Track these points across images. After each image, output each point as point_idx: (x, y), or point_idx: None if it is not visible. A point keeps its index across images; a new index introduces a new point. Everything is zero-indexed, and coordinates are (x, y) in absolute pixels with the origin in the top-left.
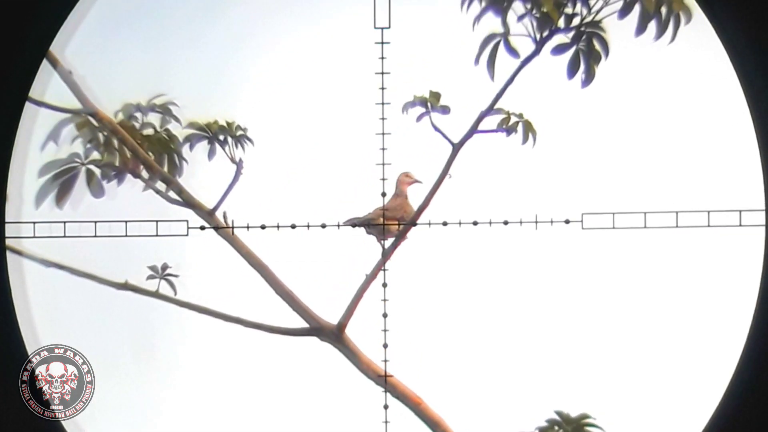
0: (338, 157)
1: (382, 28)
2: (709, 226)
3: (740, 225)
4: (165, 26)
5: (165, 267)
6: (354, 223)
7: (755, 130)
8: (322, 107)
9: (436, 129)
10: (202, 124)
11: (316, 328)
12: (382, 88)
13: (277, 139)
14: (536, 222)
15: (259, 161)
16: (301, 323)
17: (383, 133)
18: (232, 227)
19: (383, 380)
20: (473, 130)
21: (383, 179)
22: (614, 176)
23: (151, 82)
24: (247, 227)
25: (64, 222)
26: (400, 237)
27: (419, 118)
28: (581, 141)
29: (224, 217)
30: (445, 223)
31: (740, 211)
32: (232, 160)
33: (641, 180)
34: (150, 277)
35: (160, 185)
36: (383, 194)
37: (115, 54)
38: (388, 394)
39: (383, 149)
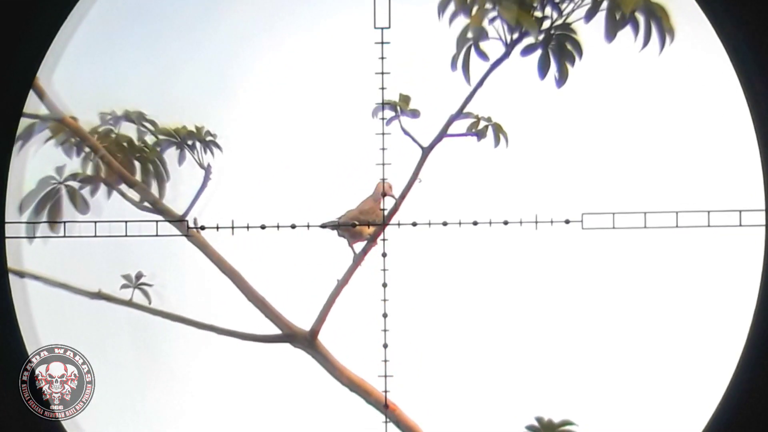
0: (338, 157)
1: (382, 28)
2: (709, 226)
3: (740, 225)
4: (160, 28)
5: (139, 276)
6: (326, 225)
7: (755, 130)
8: (322, 107)
9: (406, 133)
10: (170, 129)
11: (289, 335)
12: (382, 88)
13: (276, 139)
14: (536, 222)
15: (257, 161)
16: (275, 330)
17: (383, 133)
18: (232, 227)
19: (357, 387)
20: (443, 134)
21: (383, 179)
22: (614, 176)
23: (144, 91)
24: (247, 227)
25: (64, 222)
26: (371, 241)
27: (389, 122)
28: (581, 141)
29: (195, 223)
30: (445, 223)
31: (740, 211)
32: (201, 165)
33: (641, 180)
34: (124, 287)
35: (132, 193)
36: (383, 194)
37: (103, 66)
38: (362, 401)
39: (383, 149)
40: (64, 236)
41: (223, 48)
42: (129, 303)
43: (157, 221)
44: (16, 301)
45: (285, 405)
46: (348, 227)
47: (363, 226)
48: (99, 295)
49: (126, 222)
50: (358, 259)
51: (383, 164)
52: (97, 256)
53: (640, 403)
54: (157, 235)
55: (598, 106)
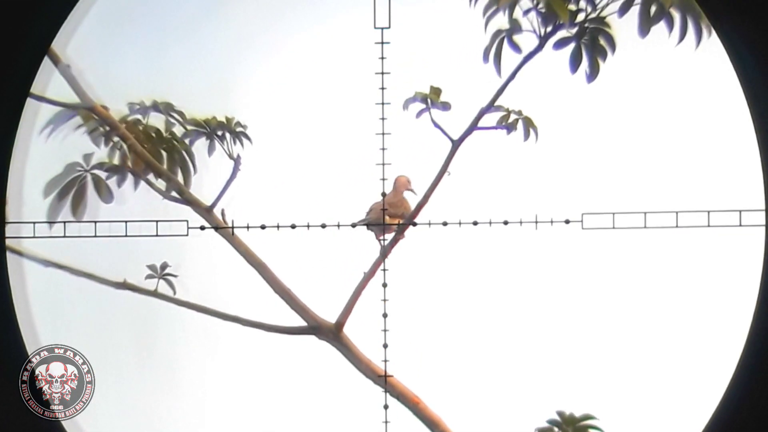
0: (338, 157)
1: (382, 28)
2: (709, 226)
3: (740, 225)
4: (168, 24)
5: (164, 266)
6: (356, 223)
7: (755, 130)
8: (323, 107)
9: (436, 125)
10: (200, 120)
11: (315, 327)
12: (382, 88)
13: (277, 138)
14: (536, 222)
15: (259, 161)
16: (300, 322)
17: (383, 133)
18: (232, 227)
19: (382, 380)
20: (473, 126)
21: (383, 179)
22: (614, 176)
23: (154, 80)
24: (247, 227)
25: (64, 222)
26: (399, 234)
27: (419, 114)
28: (581, 141)
29: (222, 214)
30: (445, 223)
31: (740, 211)
32: (230, 156)
33: (641, 180)
34: (149, 277)
35: (159, 183)
36: (383, 194)
37: (119, 50)
38: (387, 393)
39: (383, 149)
40: (64, 236)
41: (222, 48)
42: (154, 293)
43: (156, 221)
44: (16, 300)
45: (309, 397)
46: (377, 221)
47: (392, 219)
48: (124, 285)
49: (126, 222)
50: (386, 252)
51: (383, 164)
52: (121, 246)
53: (639, 402)
54: (156, 236)
55: (598, 106)
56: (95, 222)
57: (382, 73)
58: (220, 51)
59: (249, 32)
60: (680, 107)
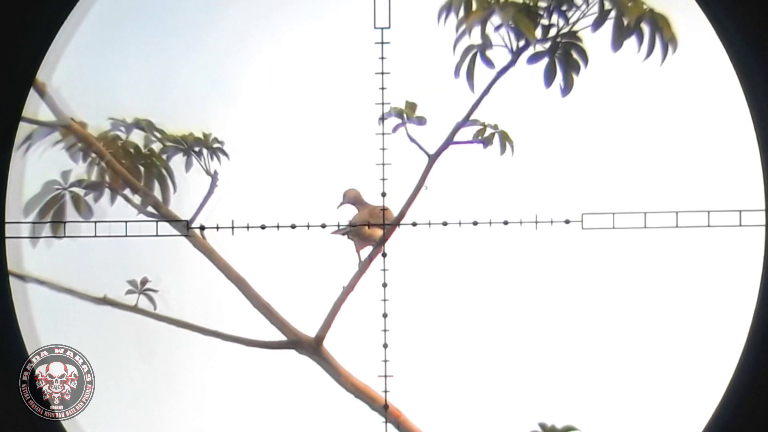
0: (338, 158)
1: (382, 28)
2: (709, 226)
3: (740, 225)
4: (161, 32)
5: (144, 281)
6: (344, 231)
7: (755, 130)
8: (322, 107)
9: (412, 140)
10: (177, 136)
11: (294, 341)
12: (382, 88)
13: (276, 139)
14: (536, 222)
15: (258, 161)
16: (280, 336)
17: (383, 133)
18: (232, 227)
19: (362, 394)
20: (449, 141)
21: (383, 179)
22: (614, 176)
23: (146, 93)
24: (247, 227)
25: (64, 222)
26: (377, 247)
27: (395, 129)
28: (581, 141)
29: (201, 229)
30: (445, 223)
31: (740, 211)
32: (207, 172)
33: (641, 180)
34: (129, 292)
35: (137, 199)
36: (383, 194)
37: (105, 68)
38: (366, 408)
39: (383, 149)
40: (65, 236)
41: (221, 49)
42: (134, 308)
43: (157, 221)
44: (17, 301)
45: (289, 411)
46: (358, 231)
47: (373, 230)
48: (104, 301)
49: (126, 222)
50: (364, 265)
51: (383, 164)
52: (101, 261)
53: (640, 403)
54: (157, 235)
55: (598, 106)
56: (95, 222)
57: (382, 73)
58: (217, 52)
59: (246, 32)
60: (680, 107)
